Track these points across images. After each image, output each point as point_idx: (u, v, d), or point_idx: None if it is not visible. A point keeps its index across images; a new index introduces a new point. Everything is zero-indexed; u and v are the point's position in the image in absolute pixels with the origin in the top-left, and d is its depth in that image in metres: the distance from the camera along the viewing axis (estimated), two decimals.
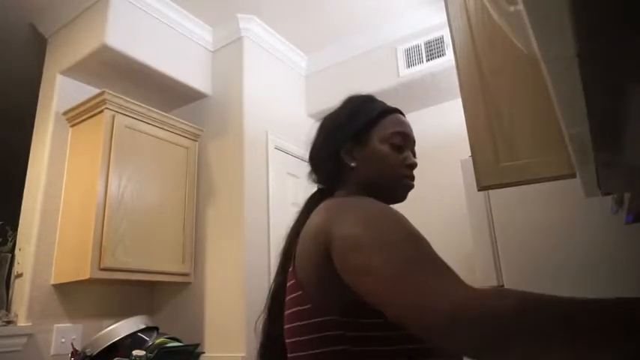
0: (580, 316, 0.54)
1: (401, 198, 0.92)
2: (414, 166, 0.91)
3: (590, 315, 0.54)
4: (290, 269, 0.82)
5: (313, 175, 0.99)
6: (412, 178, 0.92)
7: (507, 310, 0.55)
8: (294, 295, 0.78)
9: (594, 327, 0.54)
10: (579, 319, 0.54)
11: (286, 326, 0.80)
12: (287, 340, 0.80)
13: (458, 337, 0.55)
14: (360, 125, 0.91)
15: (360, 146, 0.90)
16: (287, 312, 0.80)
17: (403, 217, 0.74)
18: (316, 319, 0.74)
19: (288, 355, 0.79)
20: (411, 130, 0.95)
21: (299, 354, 0.76)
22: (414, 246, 0.67)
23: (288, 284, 0.81)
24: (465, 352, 0.58)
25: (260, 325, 0.91)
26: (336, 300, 0.72)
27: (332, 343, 0.72)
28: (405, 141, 0.91)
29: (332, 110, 1.00)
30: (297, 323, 0.77)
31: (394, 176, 0.89)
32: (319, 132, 0.99)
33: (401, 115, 0.96)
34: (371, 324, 0.70)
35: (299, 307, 0.77)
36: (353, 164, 0.89)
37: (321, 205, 0.82)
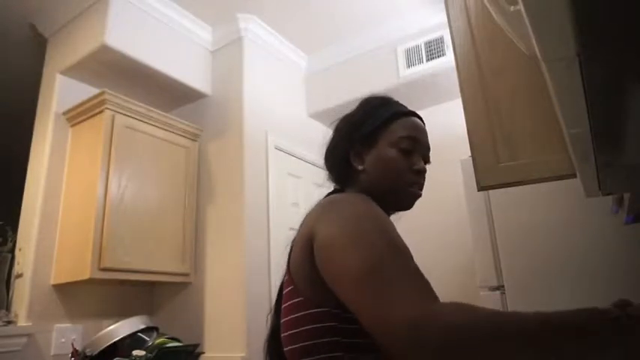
0: (540, 330, 0.56)
1: (407, 205, 0.91)
2: (421, 172, 0.89)
3: (549, 327, 0.56)
4: (287, 265, 0.84)
5: (329, 175, 0.98)
6: (420, 185, 0.90)
7: (464, 327, 0.56)
8: (288, 289, 0.80)
9: (552, 340, 0.56)
10: (540, 334, 0.56)
11: (282, 320, 0.82)
12: (283, 334, 0.81)
13: (410, 348, 0.56)
14: (370, 128, 0.91)
15: (369, 149, 0.90)
16: (283, 306, 0.82)
17: (386, 220, 0.75)
18: (308, 312, 0.75)
19: (285, 349, 0.80)
20: (425, 135, 0.93)
21: (294, 346, 0.77)
22: (389, 252, 0.67)
23: (285, 279, 0.84)
24: None
25: (270, 320, 0.92)
26: (325, 294, 0.73)
27: (325, 334, 0.73)
28: (414, 146, 0.89)
29: (350, 111, 1.00)
30: (291, 316, 0.78)
31: (400, 182, 0.88)
32: (334, 133, 0.99)
33: (415, 119, 0.94)
34: None
35: (292, 301, 0.79)
36: (360, 167, 0.89)
37: (318, 203, 0.83)
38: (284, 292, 0.83)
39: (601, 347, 0.56)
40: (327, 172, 0.98)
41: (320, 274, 0.73)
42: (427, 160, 0.93)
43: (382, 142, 0.89)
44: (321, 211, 0.79)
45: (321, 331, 0.73)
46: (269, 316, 0.92)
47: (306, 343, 0.75)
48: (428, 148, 0.94)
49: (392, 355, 0.72)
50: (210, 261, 2.33)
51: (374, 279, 0.63)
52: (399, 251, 0.68)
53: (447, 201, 2.59)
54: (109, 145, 2.08)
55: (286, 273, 0.83)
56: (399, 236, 0.72)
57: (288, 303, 0.80)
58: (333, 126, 1.00)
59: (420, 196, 0.91)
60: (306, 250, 0.76)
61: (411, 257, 0.69)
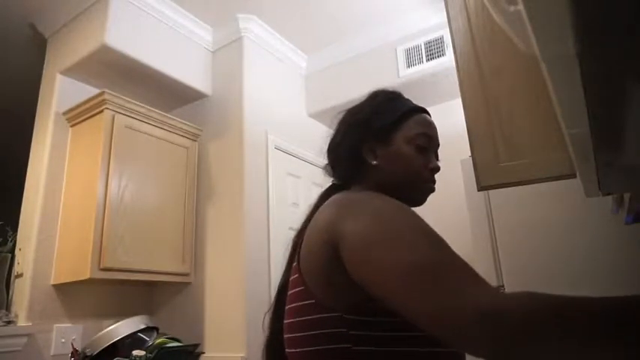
0: (612, 315, 0.52)
1: (420, 201, 0.90)
2: (436, 169, 0.89)
3: (624, 314, 0.52)
4: (294, 264, 0.80)
5: (330, 170, 0.95)
6: (434, 181, 0.89)
7: (538, 312, 0.52)
8: (297, 289, 0.77)
9: (628, 325, 0.51)
10: (613, 319, 0.51)
11: (286, 321, 0.79)
12: (286, 335, 0.78)
13: (483, 339, 0.53)
14: (386, 123, 0.89)
15: (383, 144, 0.88)
16: (288, 306, 0.79)
17: (417, 215, 0.72)
18: (319, 315, 0.72)
19: (287, 351, 0.78)
20: (437, 132, 0.93)
21: (299, 350, 0.74)
22: (430, 243, 0.65)
23: (291, 278, 0.80)
24: (489, 356, 0.54)
25: (266, 320, 0.89)
26: (340, 297, 0.71)
27: (334, 340, 0.70)
28: (429, 143, 0.89)
29: (356, 104, 0.96)
30: (299, 318, 0.75)
31: (416, 179, 0.87)
32: (340, 125, 0.95)
33: (427, 116, 0.94)
34: (375, 323, 0.69)
35: (301, 302, 0.75)
36: (374, 162, 0.87)
37: (330, 200, 0.79)
38: (290, 291, 0.79)
39: None
40: (328, 166, 0.95)
41: (341, 276, 0.69)
42: (437, 157, 0.93)
43: (398, 137, 0.88)
44: (339, 209, 0.74)
45: (330, 336, 0.70)
46: (266, 316, 0.89)
47: (314, 348, 0.72)
48: (439, 145, 0.93)
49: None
50: (210, 261, 2.33)
51: (426, 272, 0.59)
52: (440, 242, 0.66)
53: (447, 201, 2.59)
54: (109, 145, 2.08)
55: (294, 272, 0.79)
56: (432, 228, 0.69)
57: (297, 304, 0.76)
58: (338, 118, 0.96)
59: (434, 190, 0.90)
60: (326, 252, 0.71)
61: (450, 247, 0.66)
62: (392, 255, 0.63)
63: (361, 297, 0.67)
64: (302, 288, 0.75)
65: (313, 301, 0.73)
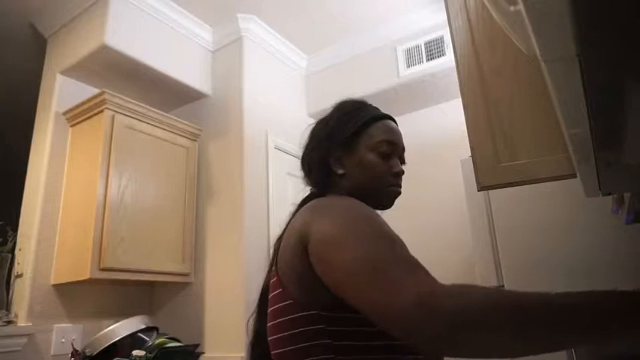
0: (547, 308, 0.56)
1: (387, 205, 0.94)
2: (400, 173, 0.94)
3: (561, 308, 0.56)
4: (273, 267, 0.84)
5: (306, 179, 1.01)
6: (399, 185, 0.94)
7: (474, 304, 0.55)
8: (276, 292, 0.80)
9: (563, 319, 0.55)
10: (546, 311, 0.55)
11: (269, 323, 0.82)
12: (270, 338, 0.81)
13: (421, 331, 0.55)
14: (349, 133, 0.93)
15: (349, 154, 0.92)
16: (270, 309, 0.82)
17: (379, 217, 0.77)
18: (297, 314, 0.75)
19: (272, 352, 0.81)
20: (400, 137, 0.97)
21: (282, 350, 0.78)
22: (385, 243, 0.68)
23: (271, 282, 0.84)
24: (430, 346, 0.56)
25: (251, 323, 0.93)
26: (315, 295, 0.74)
27: (313, 337, 0.73)
28: (392, 149, 0.93)
29: (324, 115, 1.02)
30: (279, 319, 0.78)
31: (381, 184, 0.91)
32: (310, 137, 1.01)
33: (390, 122, 0.97)
34: (352, 318, 0.71)
35: (280, 304, 0.79)
36: (341, 172, 0.92)
37: (306, 206, 0.84)
38: (270, 295, 0.83)
39: (619, 329, 0.55)
40: (304, 176, 1.00)
41: (313, 275, 0.73)
42: (403, 161, 0.97)
43: (361, 146, 0.92)
44: (311, 213, 0.79)
45: (310, 334, 0.73)
46: (251, 319, 0.92)
47: (296, 347, 0.75)
48: (403, 149, 0.97)
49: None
50: (210, 261, 2.34)
51: (372, 268, 0.63)
52: (393, 241, 0.69)
53: (447, 201, 2.59)
54: (109, 144, 2.08)
55: (273, 275, 0.83)
56: (392, 230, 0.73)
57: (277, 306, 0.80)
58: (309, 130, 1.02)
59: (400, 193, 0.94)
60: (298, 253, 0.76)
61: (406, 247, 0.69)
62: (342, 253, 0.68)
63: (334, 294, 0.70)
64: (280, 290, 0.79)
65: (291, 301, 0.77)
